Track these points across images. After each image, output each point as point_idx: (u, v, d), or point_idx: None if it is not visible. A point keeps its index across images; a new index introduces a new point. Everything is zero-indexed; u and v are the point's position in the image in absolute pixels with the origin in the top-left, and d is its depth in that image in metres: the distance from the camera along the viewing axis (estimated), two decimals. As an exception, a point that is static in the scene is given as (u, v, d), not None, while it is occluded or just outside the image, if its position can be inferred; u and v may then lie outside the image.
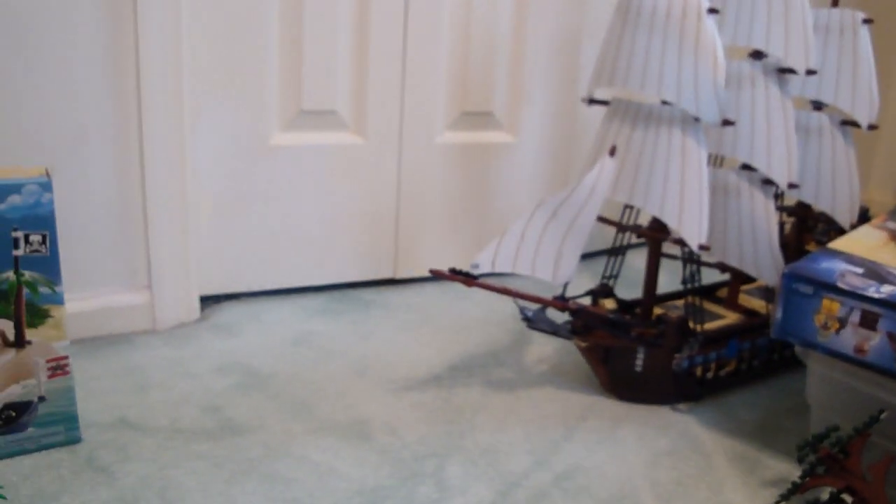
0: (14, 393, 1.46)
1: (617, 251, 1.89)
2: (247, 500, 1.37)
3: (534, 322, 1.75)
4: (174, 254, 2.07)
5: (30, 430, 1.49)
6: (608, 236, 2.05)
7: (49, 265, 1.42)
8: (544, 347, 2.06)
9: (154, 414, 1.64)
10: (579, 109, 2.61)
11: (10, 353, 1.44)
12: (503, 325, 2.19)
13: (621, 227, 1.82)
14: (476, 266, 1.65)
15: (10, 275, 1.40)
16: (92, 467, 1.46)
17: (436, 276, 1.66)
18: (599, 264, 2.14)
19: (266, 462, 1.48)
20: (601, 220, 1.75)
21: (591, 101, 1.78)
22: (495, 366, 1.95)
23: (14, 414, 1.47)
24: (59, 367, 1.48)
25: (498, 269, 1.68)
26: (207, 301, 2.21)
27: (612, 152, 1.69)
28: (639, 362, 1.74)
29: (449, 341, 2.06)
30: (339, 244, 2.34)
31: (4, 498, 1.23)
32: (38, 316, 1.44)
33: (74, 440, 1.53)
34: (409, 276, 2.48)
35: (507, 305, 2.31)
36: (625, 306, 1.89)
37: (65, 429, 1.52)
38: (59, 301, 1.45)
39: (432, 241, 2.50)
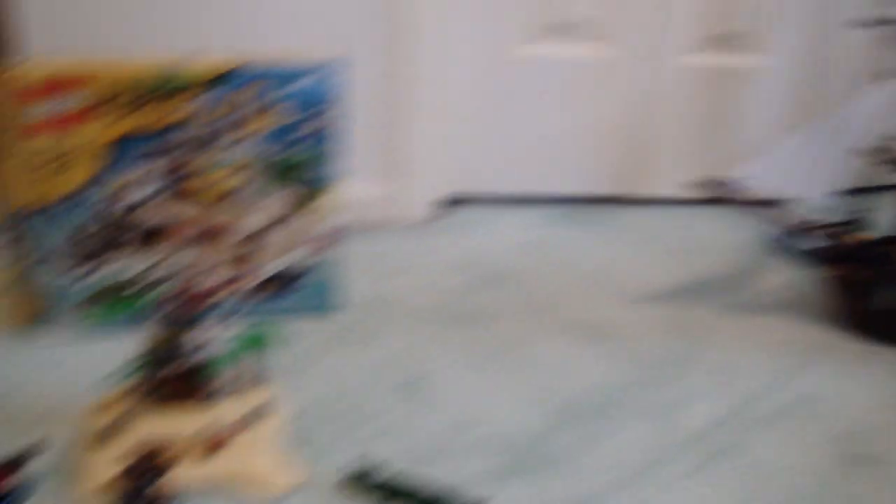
0: (288, 260, 1.59)
1: (874, 189, 1.76)
2: (495, 383, 1.42)
3: (783, 245, 1.67)
4: (421, 154, 2.14)
5: (297, 296, 1.62)
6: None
7: (332, 144, 1.52)
8: (781, 276, 1.97)
9: (403, 297, 1.74)
10: (837, 32, 2.41)
11: (290, 223, 1.56)
12: (738, 251, 2.12)
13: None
14: (735, 181, 1.60)
15: (298, 150, 1.50)
16: (350, 335, 1.57)
17: (698, 187, 1.61)
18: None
19: (511, 350, 1.53)
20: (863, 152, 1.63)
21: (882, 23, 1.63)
22: (730, 289, 1.89)
23: (286, 280, 1.60)
24: (330, 240, 1.58)
25: (764, 186, 1.61)
26: (444, 202, 2.28)
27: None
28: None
29: (682, 262, 2.02)
30: (576, 157, 2.33)
31: (290, 343, 1.35)
32: (316, 190, 1.55)
33: (333, 309, 1.65)
34: (643, 195, 2.44)
35: (742, 232, 2.22)
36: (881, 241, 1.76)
37: (325, 299, 1.63)
38: (336, 179, 1.55)
39: (668, 163, 2.43)
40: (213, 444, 1.14)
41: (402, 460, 1.21)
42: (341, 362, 1.46)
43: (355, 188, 1.95)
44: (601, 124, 2.32)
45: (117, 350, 1.49)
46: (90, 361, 1.44)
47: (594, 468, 1.22)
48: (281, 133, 1.53)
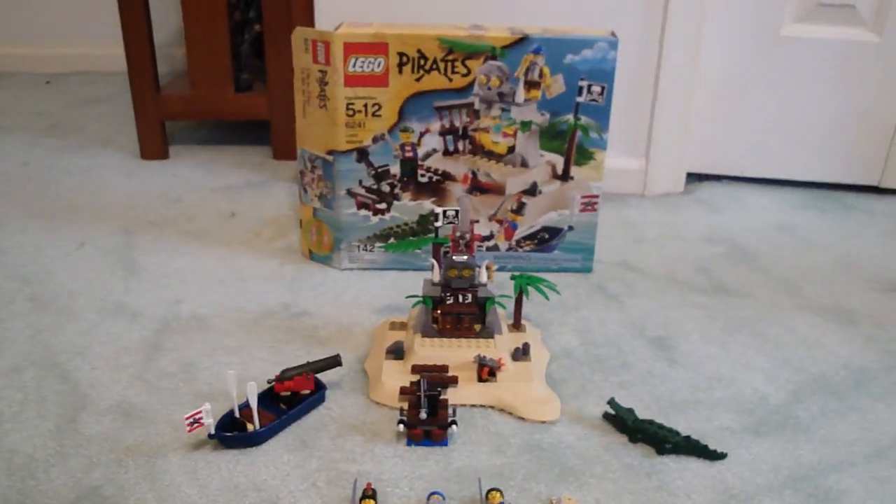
0: (551, 218, 1.73)
1: None
2: (740, 350, 1.49)
3: None
4: (673, 129, 2.20)
5: (556, 252, 1.75)
6: None
7: (601, 114, 1.64)
8: None
9: (651, 264, 1.83)
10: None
11: (556, 185, 1.70)
12: None
13: None
14: None
15: (570, 118, 1.63)
16: (603, 293, 1.69)
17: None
18: None
19: (756, 323, 1.58)
20: None
21: None
22: None
23: (547, 236, 1.74)
24: (590, 204, 1.71)
25: None
26: (692, 178, 2.32)
27: None
28: None
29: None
30: (828, 142, 2.29)
31: (558, 293, 1.49)
32: (583, 157, 1.67)
33: (587, 269, 1.77)
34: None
35: None
36: None
37: (582, 258, 1.76)
38: (603, 146, 1.66)
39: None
40: (487, 372, 1.30)
41: (653, 407, 1.32)
42: (596, 316, 1.58)
43: (614, 158, 2.05)
44: (861, 110, 2.27)
45: (397, 284, 1.72)
46: (374, 291, 1.66)
47: (837, 440, 1.27)
48: (557, 100, 1.66)
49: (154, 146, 2.38)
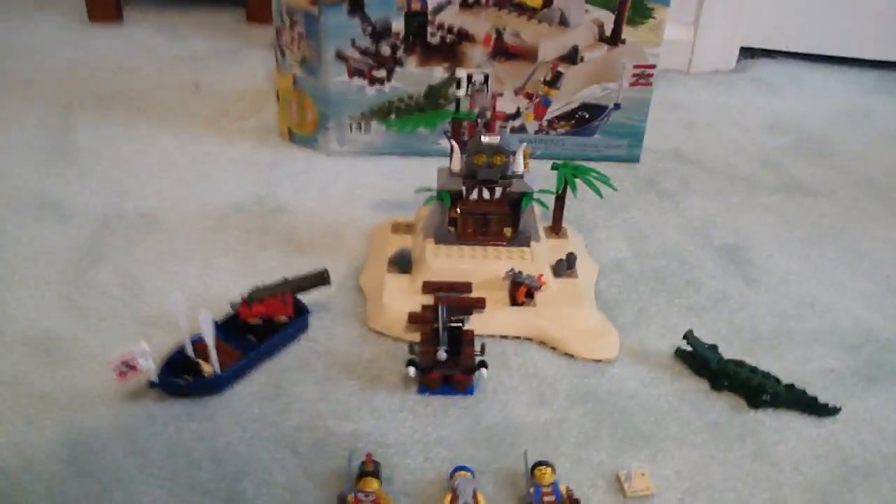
0: (593, 94, 1.37)
1: None
2: (830, 267, 1.20)
3: None
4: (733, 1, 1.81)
5: (597, 136, 1.40)
6: None
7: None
8: None
9: (709, 155, 1.50)
10: None
11: (602, 50, 1.33)
12: None
13: None
14: None
15: (625, -40, 1.24)
16: (655, 190, 1.36)
17: None
18: None
19: (844, 232, 1.29)
20: None
21: None
22: None
23: (587, 116, 1.39)
24: (643, 76, 1.35)
25: None
26: (743, 53, 1.95)
27: None
28: None
29: None
30: (893, 17, 1.91)
31: (613, 188, 1.15)
32: (641, 14, 1.30)
33: (634, 159, 1.43)
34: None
35: None
36: None
37: (628, 144, 1.42)
38: (665, 2, 1.28)
39: None
40: (523, 293, 0.97)
41: (733, 340, 1.03)
42: (649, 219, 1.27)
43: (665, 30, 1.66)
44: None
45: (397, 173, 1.36)
46: (370, 181, 1.31)
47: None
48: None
49: (103, 6, 1.97)
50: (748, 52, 1.99)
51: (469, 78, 1.03)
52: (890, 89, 1.87)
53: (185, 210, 1.23)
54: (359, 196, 1.29)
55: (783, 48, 2.01)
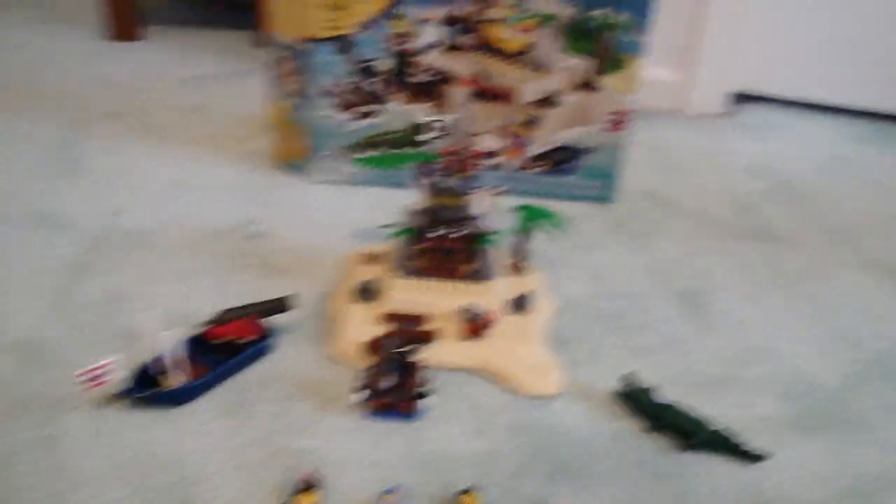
0: (571, 136, 1.43)
1: None
2: (786, 315, 1.25)
3: None
4: (721, 38, 1.87)
5: (572, 177, 1.46)
6: None
7: (640, 7, 1.30)
8: None
9: (683, 198, 1.55)
10: None
11: (579, 96, 1.38)
12: None
13: None
14: None
15: (601, 13, 1.30)
16: (624, 231, 1.41)
17: None
18: None
19: (806, 281, 1.32)
20: None
21: None
22: None
23: (564, 157, 1.44)
24: (619, 122, 1.40)
25: None
26: (735, 98, 2.01)
27: None
28: None
29: None
30: (888, 67, 1.95)
31: (562, 232, 1.20)
32: (613, 64, 1.35)
33: (608, 199, 1.48)
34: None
35: None
36: None
37: (602, 186, 1.47)
38: (637, 51, 1.34)
39: None
40: (475, 328, 1.03)
41: (679, 382, 1.07)
42: (614, 259, 1.31)
43: (649, 71, 1.73)
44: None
45: (380, 204, 1.42)
46: (351, 211, 1.38)
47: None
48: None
49: (125, 25, 2.05)
50: (740, 98, 2.04)
51: (432, 123, 1.10)
52: (876, 139, 1.91)
53: (174, 230, 1.31)
54: (340, 225, 1.35)
55: (775, 94, 2.06)
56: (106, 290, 1.15)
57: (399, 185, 1.45)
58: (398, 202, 1.12)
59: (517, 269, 1.19)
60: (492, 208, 1.10)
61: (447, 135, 1.06)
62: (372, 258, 1.19)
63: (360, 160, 1.41)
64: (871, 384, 1.10)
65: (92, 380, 0.89)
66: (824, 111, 2.01)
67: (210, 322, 1.02)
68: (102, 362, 0.89)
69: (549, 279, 1.24)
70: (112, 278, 1.17)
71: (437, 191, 1.05)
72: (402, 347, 0.96)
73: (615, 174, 1.45)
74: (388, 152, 1.42)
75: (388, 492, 0.83)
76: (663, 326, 1.17)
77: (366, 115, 1.40)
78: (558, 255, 1.30)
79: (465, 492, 0.84)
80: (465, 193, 1.05)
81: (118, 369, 0.90)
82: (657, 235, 1.40)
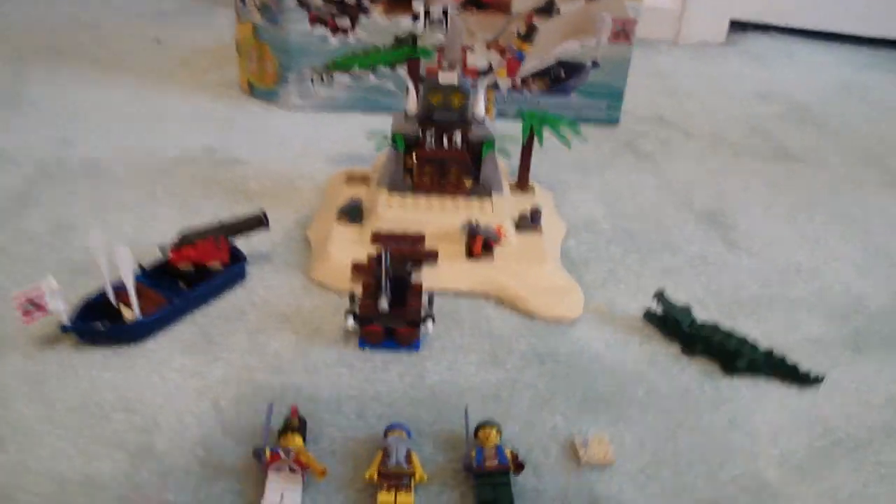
0: (570, 50, 1.28)
1: None
2: (818, 232, 1.11)
3: None
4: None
5: (573, 96, 1.30)
6: None
7: None
8: None
9: (693, 121, 1.41)
10: None
11: (579, 2, 1.23)
12: None
13: None
14: None
15: None
16: (633, 152, 1.27)
17: None
18: None
19: (834, 199, 1.20)
20: None
21: None
22: None
23: (564, 74, 1.29)
24: (623, 31, 1.25)
25: None
26: (734, 26, 1.87)
27: None
28: None
29: None
30: None
31: (581, 137, 1.06)
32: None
33: (613, 120, 1.34)
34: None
35: None
36: None
37: (607, 106, 1.33)
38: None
39: None
40: (481, 246, 0.88)
41: (710, 305, 0.94)
42: (626, 180, 1.18)
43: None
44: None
45: (358, 131, 1.27)
46: (328, 138, 1.22)
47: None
48: None
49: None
50: (739, 26, 1.90)
51: (427, 12, 0.93)
52: (883, 65, 1.79)
53: (130, 159, 1.15)
54: (317, 150, 1.20)
55: (775, 23, 1.92)
56: (52, 220, 0.99)
57: (380, 108, 1.30)
58: (379, 127, 0.96)
59: (522, 184, 1.04)
60: (492, 113, 0.94)
61: (444, 47, 0.89)
62: (356, 178, 1.04)
63: (333, 63, 1.24)
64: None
65: (28, 308, 0.72)
66: (825, 38, 1.89)
67: (172, 245, 0.85)
68: (39, 285, 0.72)
69: (557, 199, 1.09)
70: (59, 210, 1.02)
71: (433, 88, 0.89)
72: (394, 267, 0.80)
73: (621, 92, 1.30)
74: (363, 53, 1.25)
75: (392, 428, 0.68)
76: (687, 246, 1.03)
77: (341, 30, 1.24)
78: (564, 176, 1.17)
79: (482, 427, 0.68)
80: (466, 91, 0.89)
81: (59, 298, 0.74)
82: (669, 157, 1.27)
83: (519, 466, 0.66)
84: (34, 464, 0.66)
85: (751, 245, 1.05)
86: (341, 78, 1.27)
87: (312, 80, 1.27)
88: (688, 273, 0.98)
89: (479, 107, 0.92)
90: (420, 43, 1.07)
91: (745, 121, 1.43)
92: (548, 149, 1.06)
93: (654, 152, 1.27)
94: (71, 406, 0.73)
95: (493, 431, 0.69)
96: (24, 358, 0.77)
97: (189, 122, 1.26)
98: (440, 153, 0.94)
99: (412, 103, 0.92)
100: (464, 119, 0.92)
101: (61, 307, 0.75)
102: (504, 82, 1.29)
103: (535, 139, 1.01)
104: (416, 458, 0.66)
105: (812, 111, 1.50)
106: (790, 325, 0.91)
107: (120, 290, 0.81)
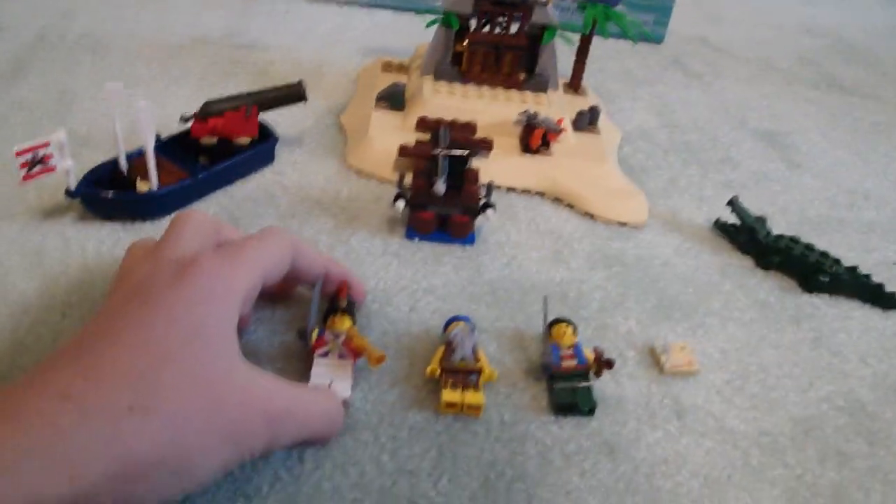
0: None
1: None
2: (883, 161, 1.02)
3: None
4: None
5: (620, 6, 1.20)
6: None
7: None
8: None
9: (739, 47, 1.35)
10: None
11: None
12: None
13: None
14: None
15: None
16: (682, 69, 1.20)
17: None
18: None
19: (892, 132, 1.10)
20: None
21: None
22: None
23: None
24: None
25: None
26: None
27: None
28: None
29: None
30: None
31: (648, 36, 0.96)
32: None
33: (658, 38, 1.25)
34: None
35: None
36: None
37: (654, 21, 1.22)
38: None
39: None
40: (539, 140, 0.78)
41: (778, 221, 0.86)
42: (678, 94, 1.09)
43: None
44: None
45: (397, 27, 1.16)
46: (363, 28, 1.12)
47: None
48: None
49: None
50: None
51: None
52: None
53: (139, 35, 1.04)
54: (344, 41, 1.10)
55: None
56: (49, 87, 0.88)
57: (413, 7, 1.19)
58: (411, 27, 0.86)
59: (576, 83, 0.94)
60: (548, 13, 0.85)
61: None
62: (394, 67, 0.94)
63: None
64: None
65: (31, 163, 0.61)
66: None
67: (195, 115, 0.75)
68: (47, 139, 0.62)
69: (606, 107, 1.00)
70: (58, 77, 0.90)
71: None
72: (458, 144, 0.70)
73: (670, 8, 1.20)
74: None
75: (454, 320, 0.58)
76: (748, 161, 0.95)
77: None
78: (614, 88, 1.08)
79: (556, 323, 0.59)
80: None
81: (68, 155, 0.63)
82: (720, 77, 1.18)
83: (606, 364, 0.57)
84: (32, 343, 0.56)
85: (813, 167, 0.97)
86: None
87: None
88: (751, 188, 0.90)
89: (543, -12, 0.82)
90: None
91: (793, 50, 1.35)
92: (594, 57, 0.96)
93: (704, 73, 1.19)
94: (68, 285, 0.63)
95: (569, 329, 0.60)
96: (18, 228, 0.67)
97: (203, 1, 1.14)
98: (495, 37, 0.83)
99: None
100: (525, 0, 0.81)
101: (69, 165, 0.65)
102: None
103: (599, 30, 0.91)
104: (482, 355, 0.58)
105: (860, 47, 1.43)
106: (865, 247, 0.83)
107: (134, 158, 0.70)
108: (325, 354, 0.56)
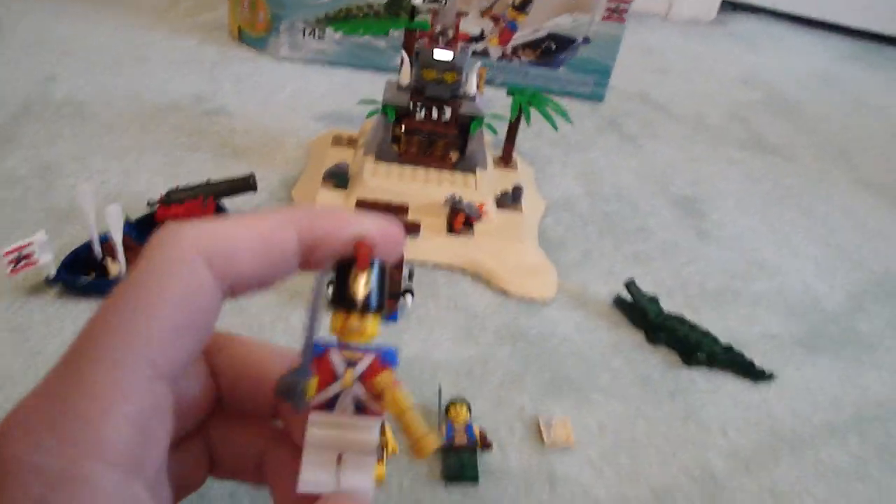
0: (562, 24, 1.29)
1: None
2: (786, 229, 1.15)
3: None
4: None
5: (561, 70, 1.32)
6: None
7: None
8: None
9: (677, 101, 1.43)
10: None
11: (577, -22, 1.24)
12: None
13: None
14: None
15: None
16: (617, 131, 1.29)
17: None
18: None
19: (804, 196, 1.24)
20: None
21: None
22: None
23: (554, 47, 1.30)
24: (617, 11, 1.26)
25: None
26: (725, 6, 1.88)
27: None
28: None
29: None
30: None
31: (569, 121, 1.08)
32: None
33: (598, 97, 1.36)
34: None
35: None
36: None
37: (594, 82, 1.34)
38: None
39: None
40: (462, 220, 0.90)
41: (677, 293, 0.97)
42: (607, 160, 1.20)
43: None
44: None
45: (350, 86, 1.27)
46: (318, 92, 1.22)
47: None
48: None
49: None
50: (729, 6, 1.92)
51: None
52: (863, 58, 1.82)
53: (116, 102, 1.15)
54: (304, 105, 1.21)
55: (765, 5, 1.94)
56: (34, 163, 0.99)
57: (370, 66, 1.30)
58: (370, 84, 0.97)
59: (506, 160, 1.06)
60: (483, 89, 0.96)
61: (437, 4, 0.90)
62: (344, 140, 1.05)
63: (334, 24, 1.24)
64: (875, 304, 1.02)
65: (18, 260, 0.73)
66: (813, 26, 1.92)
67: (160, 201, 0.86)
68: (30, 239, 0.74)
69: (537, 175, 1.12)
70: (42, 151, 1.01)
71: (426, 63, 0.90)
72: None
73: (609, 70, 1.32)
74: (355, 23, 1.26)
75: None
76: (661, 232, 1.06)
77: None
78: (547, 152, 1.19)
79: (453, 403, 0.72)
80: (459, 70, 0.90)
81: (48, 251, 0.75)
82: (652, 138, 1.29)
83: (486, 445, 0.70)
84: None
85: (721, 236, 1.09)
86: (332, 32, 1.27)
87: (304, 33, 1.27)
88: (658, 260, 1.02)
89: (472, 85, 0.94)
90: (418, 16, 1.07)
91: (728, 106, 1.46)
92: (533, 122, 1.08)
93: (638, 134, 1.30)
94: (51, 358, 0.75)
95: (464, 408, 0.72)
96: (7, 309, 0.79)
97: (176, 66, 1.26)
98: (429, 126, 0.95)
99: (405, 75, 0.93)
100: (455, 95, 0.93)
101: (49, 259, 0.77)
102: (496, 50, 1.30)
103: (523, 118, 1.03)
104: (389, 430, 0.69)
105: (789, 101, 1.54)
106: (750, 319, 0.95)
107: (106, 241, 0.82)
108: (331, 404, 0.29)
